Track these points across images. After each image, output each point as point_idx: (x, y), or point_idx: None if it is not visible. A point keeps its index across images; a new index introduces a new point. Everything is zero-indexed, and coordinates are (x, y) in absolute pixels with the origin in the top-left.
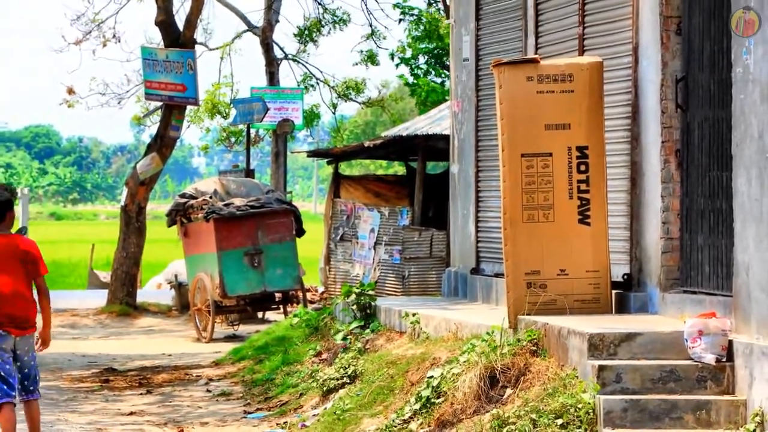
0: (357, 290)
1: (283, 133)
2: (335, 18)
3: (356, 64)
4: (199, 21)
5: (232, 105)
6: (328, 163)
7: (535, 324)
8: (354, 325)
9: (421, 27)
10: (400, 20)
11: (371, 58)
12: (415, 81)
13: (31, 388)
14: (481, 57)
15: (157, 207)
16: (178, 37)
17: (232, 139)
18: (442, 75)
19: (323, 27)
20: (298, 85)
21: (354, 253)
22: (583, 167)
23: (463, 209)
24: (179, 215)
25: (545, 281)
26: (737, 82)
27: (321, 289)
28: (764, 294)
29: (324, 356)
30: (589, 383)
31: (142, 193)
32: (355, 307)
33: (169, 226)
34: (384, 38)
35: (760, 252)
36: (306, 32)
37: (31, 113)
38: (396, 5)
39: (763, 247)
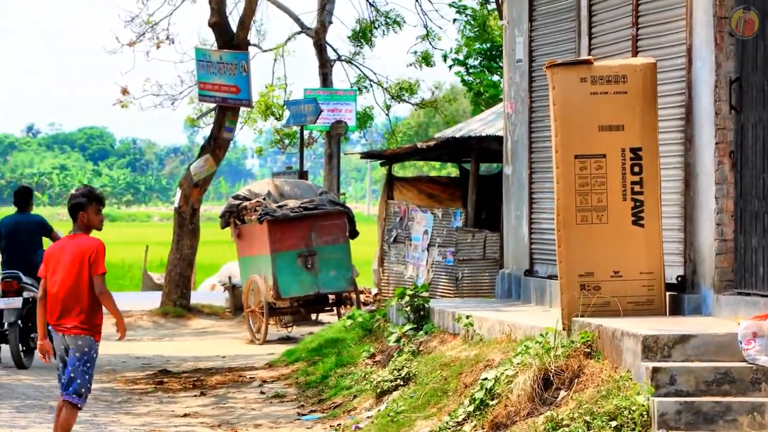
0: (410, 292)
1: (336, 134)
2: (388, 20)
3: (411, 65)
4: (252, 22)
5: (285, 106)
6: (381, 164)
7: (589, 326)
8: (407, 327)
9: (475, 28)
10: (455, 20)
11: (426, 59)
12: (471, 79)
13: (70, 389)
14: (534, 58)
15: (211, 209)
16: (232, 39)
17: (286, 141)
18: (498, 74)
19: (376, 29)
20: (352, 87)
21: (407, 255)
22: (636, 169)
23: (516, 211)
24: (233, 217)
25: (599, 283)
26: None
27: (374, 290)
28: None
29: (377, 358)
30: (643, 385)
31: (196, 195)
32: (408, 308)
33: (223, 227)
34: (440, 39)
35: None
36: (360, 34)
37: (84, 115)
38: (451, 4)
39: None
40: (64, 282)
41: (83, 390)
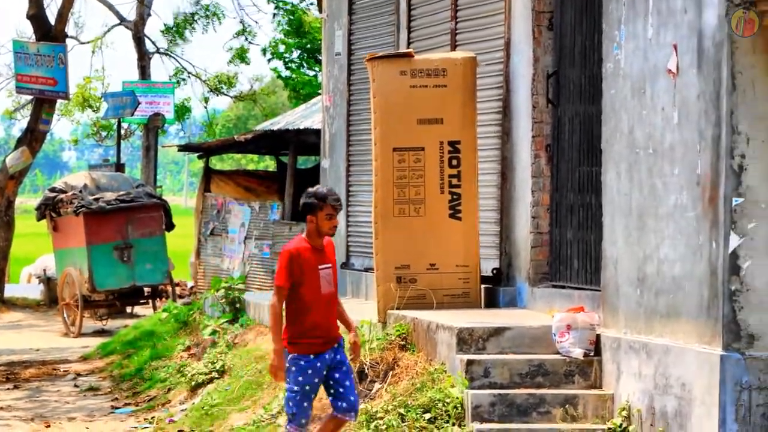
0: (226, 285)
1: (154, 127)
2: (207, 13)
3: (230, 62)
4: (70, 14)
5: (103, 99)
6: (199, 157)
7: (404, 318)
8: (223, 319)
9: (294, 22)
10: (274, 15)
11: (241, 56)
12: (290, 74)
13: None
14: (353, 51)
15: (27, 201)
16: (50, 31)
17: (103, 133)
18: (315, 69)
19: (195, 22)
20: (170, 79)
21: (224, 248)
22: (454, 162)
23: None
24: (49, 209)
25: (415, 275)
26: (608, 78)
27: (191, 283)
28: (632, 288)
29: (192, 351)
30: (457, 378)
31: (12, 187)
32: (223, 301)
33: (39, 220)
34: (255, 35)
35: (629, 246)
36: (176, 28)
37: None
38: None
39: (632, 241)
40: None
41: None
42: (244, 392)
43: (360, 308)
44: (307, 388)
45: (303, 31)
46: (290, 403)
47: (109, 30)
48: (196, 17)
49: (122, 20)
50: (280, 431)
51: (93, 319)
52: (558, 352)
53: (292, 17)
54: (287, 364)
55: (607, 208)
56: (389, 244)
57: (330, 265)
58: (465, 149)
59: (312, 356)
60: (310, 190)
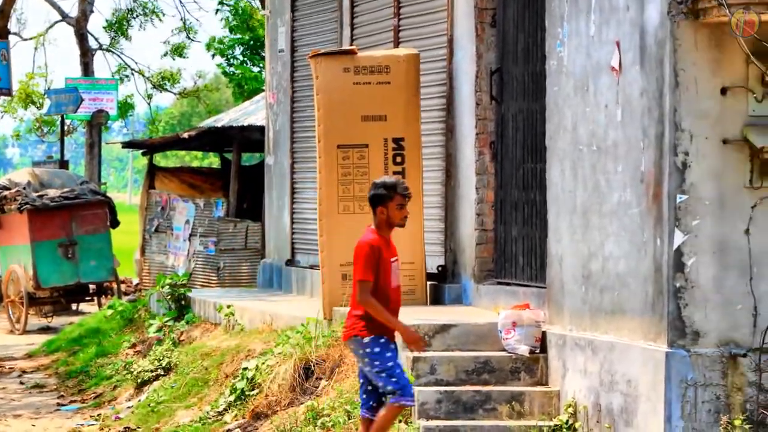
0: (171, 282)
1: (97, 123)
2: (146, 10)
3: (165, 54)
4: (12, 11)
5: (46, 95)
6: (143, 154)
7: None
8: (168, 317)
9: (242, 17)
10: (218, 10)
11: (178, 51)
12: (234, 70)
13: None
14: (296, 48)
15: None
16: None
17: (46, 129)
18: (260, 65)
19: (134, 19)
20: (113, 76)
21: (169, 245)
22: (399, 159)
23: (278, 201)
24: None
25: None
26: (551, 75)
27: (136, 280)
28: (577, 285)
29: (138, 348)
30: None
31: None
32: (169, 298)
33: None
34: (196, 32)
35: (574, 243)
36: (116, 24)
37: None
38: None
39: (577, 238)
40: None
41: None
42: (190, 389)
43: (306, 305)
44: (397, 360)
45: (252, 26)
46: (394, 379)
47: (51, 26)
48: (134, 14)
49: (65, 16)
50: (385, 412)
51: (38, 317)
52: (504, 349)
53: (237, 13)
54: (367, 350)
55: (551, 205)
56: (334, 241)
57: (397, 257)
58: (409, 146)
59: (387, 337)
60: (378, 181)
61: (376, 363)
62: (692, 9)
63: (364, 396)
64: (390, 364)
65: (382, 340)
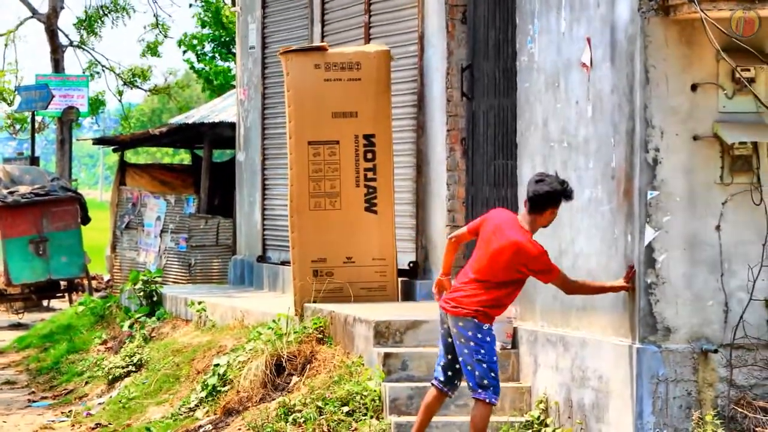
0: (142, 278)
1: (68, 120)
2: (117, 7)
3: (143, 55)
4: None
5: (16, 92)
6: (114, 150)
7: (321, 312)
8: (140, 313)
9: (213, 13)
10: (191, 5)
11: (153, 50)
12: (203, 66)
13: (470, 384)
14: (267, 45)
15: None
16: None
17: (17, 126)
18: (229, 60)
19: (106, 16)
20: (84, 73)
21: (140, 241)
22: (370, 155)
23: (249, 197)
24: None
25: (332, 269)
26: (522, 71)
27: (107, 277)
28: None
29: (110, 344)
30: (374, 371)
31: None
32: (140, 294)
33: None
34: (168, 29)
35: (545, 239)
36: (87, 21)
37: None
38: None
39: (548, 234)
40: (472, 261)
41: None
42: (162, 385)
43: (277, 302)
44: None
45: (223, 22)
46: (493, 374)
47: (21, 23)
48: (105, 11)
49: (35, 13)
50: (479, 412)
51: (9, 313)
52: None
53: (209, 9)
54: (479, 335)
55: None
56: (305, 237)
57: None
58: (380, 143)
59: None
60: (552, 178)
61: (482, 351)
62: (662, 6)
63: (439, 367)
64: (495, 358)
65: (494, 334)
